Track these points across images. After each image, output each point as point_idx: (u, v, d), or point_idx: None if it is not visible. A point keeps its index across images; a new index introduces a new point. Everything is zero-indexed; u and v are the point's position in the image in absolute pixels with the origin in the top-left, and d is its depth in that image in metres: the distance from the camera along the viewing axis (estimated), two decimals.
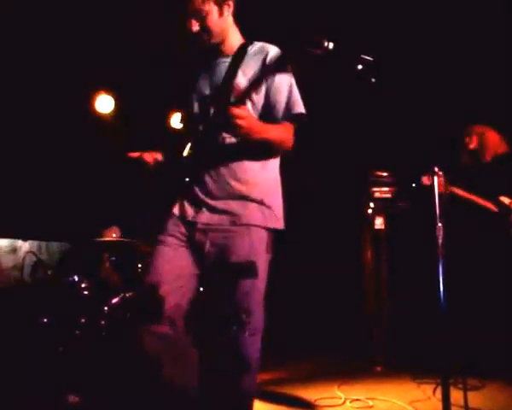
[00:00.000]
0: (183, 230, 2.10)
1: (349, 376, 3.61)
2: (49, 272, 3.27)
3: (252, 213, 2.09)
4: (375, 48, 2.09)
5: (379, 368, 3.89)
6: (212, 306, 2.08)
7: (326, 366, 4.00)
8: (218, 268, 2.06)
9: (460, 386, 2.85)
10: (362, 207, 4.13)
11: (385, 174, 4.09)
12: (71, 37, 3.99)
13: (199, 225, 2.08)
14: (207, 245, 2.07)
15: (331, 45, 1.80)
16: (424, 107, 4.20)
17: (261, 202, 2.10)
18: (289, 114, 2.09)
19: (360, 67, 1.89)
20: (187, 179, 2.11)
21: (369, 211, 4.10)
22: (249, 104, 2.08)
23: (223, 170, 2.08)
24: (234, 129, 1.91)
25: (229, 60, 2.15)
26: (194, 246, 2.10)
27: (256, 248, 2.08)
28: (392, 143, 4.32)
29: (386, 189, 4.10)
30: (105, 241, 3.58)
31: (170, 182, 2.16)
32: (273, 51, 2.10)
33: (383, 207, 4.07)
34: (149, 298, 2.03)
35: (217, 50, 2.17)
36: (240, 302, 2.02)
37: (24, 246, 3.32)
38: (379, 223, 4.03)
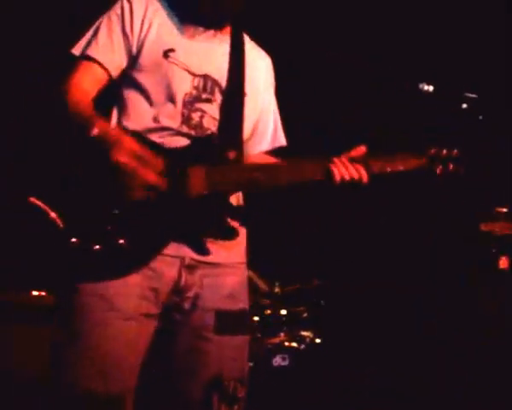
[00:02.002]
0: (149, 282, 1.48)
1: None
2: None
3: (241, 245, 1.65)
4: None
5: None
6: (186, 377, 1.52)
7: None
8: (203, 319, 1.53)
9: None
10: (479, 246, 3.91)
11: (505, 210, 3.84)
12: None
13: (187, 261, 1.51)
14: (195, 287, 1.52)
15: (431, 88, 1.79)
16: None
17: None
18: (273, 146, 1.78)
19: (465, 106, 1.85)
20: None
21: (492, 250, 3.86)
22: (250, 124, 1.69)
23: None
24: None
25: (225, 44, 1.67)
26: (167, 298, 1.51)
27: (246, 293, 1.63)
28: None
29: (507, 225, 3.84)
30: None
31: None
32: (270, 63, 1.81)
33: (506, 245, 3.81)
34: None
35: (204, 21, 1.63)
36: (232, 369, 1.53)
37: None
38: (503, 263, 3.77)
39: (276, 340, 3.42)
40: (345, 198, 1.68)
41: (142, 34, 1.57)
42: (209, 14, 1.61)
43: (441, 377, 3.87)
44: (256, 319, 3.52)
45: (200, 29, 1.63)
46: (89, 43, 1.59)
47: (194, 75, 1.58)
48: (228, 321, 1.53)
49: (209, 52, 1.63)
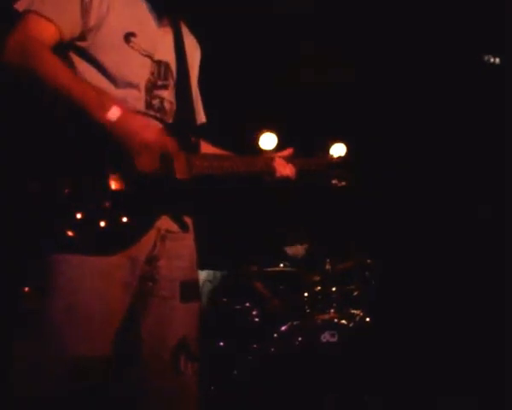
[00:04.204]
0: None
1: None
2: (224, 300, 3.51)
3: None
4: None
5: None
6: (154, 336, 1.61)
7: None
8: (170, 289, 1.64)
9: None
10: None
11: None
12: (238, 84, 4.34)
13: (162, 232, 1.62)
14: (165, 257, 1.63)
15: (497, 60, 1.74)
16: None
17: None
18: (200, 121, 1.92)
19: None
20: None
21: None
22: None
23: None
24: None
25: (169, 29, 1.70)
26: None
27: (195, 261, 1.75)
28: None
29: None
30: (271, 271, 3.75)
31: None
32: (199, 50, 1.88)
33: None
34: None
35: (160, 6, 1.67)
36: (193, 332, 1.69)
37: (201, 275, 3.62)
38: None
39: (326, 316, 3.43)
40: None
41: (102, 11, 1.52)
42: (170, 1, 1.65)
43: (494, 363, 3.78)
44: (306, 294, 3.54)
45: (155, 14, 1.65)
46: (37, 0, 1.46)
47: (152, 61, 1.62)
48: (189, 290, 1.67)
49: (161, 38, 1.67)
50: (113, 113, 1.42)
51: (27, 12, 1.46)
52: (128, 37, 1.56)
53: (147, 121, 1.54)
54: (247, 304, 3.48)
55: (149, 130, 1.50)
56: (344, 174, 2.10)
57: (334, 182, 2.11)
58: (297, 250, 3.81)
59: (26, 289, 1.52)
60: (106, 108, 1.42)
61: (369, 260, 3.63)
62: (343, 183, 2.10)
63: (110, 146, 1.47)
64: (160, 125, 1.60)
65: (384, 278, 3.73)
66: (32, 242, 1.45)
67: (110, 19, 1.54)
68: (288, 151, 1.99)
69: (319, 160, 2.12)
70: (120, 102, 1.47)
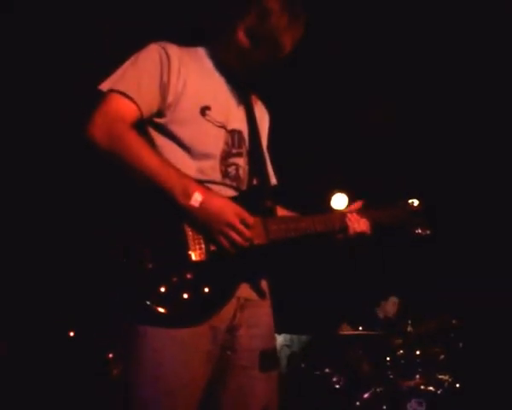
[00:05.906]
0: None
1: None
2: (302, 365, 3.42)
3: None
4: None
5: None
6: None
7: None
8: (249, 359, 1.61)
9: None
10: None
11: None
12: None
13: (241, 300, 1.60)
14: (244, 326, 1.61)
15: None
16: None
17: None
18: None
19: None
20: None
21: None
22: None
23: None
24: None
25: (240, 100, 1.75)
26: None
27: (273, 328, 1.72)
28: None
29: None
30: (353, 334, 3.62)
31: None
32: (268, 116, 1.90)
33: None
34: None
35: (233, 78, 1.73)
36: (274, 400, 1.65)
37: (279, 339, 3.57)
38: None
39: (411, 383, 3.24)
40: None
41: (178, 88, 1.59)
42: (243, 76, 1.70)
43: None
44: (388, 359, 3.38)
45: (228, 86, 1.71)
46: (120, 80, 1.56)
47: (226, 131, 1.66)
48: (268, 359, 1.64)
49: (233, 108, 1.71)
50: (196, 200, 1.49)
51: (110, 91, 1.55)
52: (204, 110, 1.62)
53: (225, 201, 1.56)
54: (327, 370, 3.36)
55: (228, 209, 1.53)
56: (428, 222, 1.96)
57: (418, 231, 1.96)
58: (387, 308, 3.65)
59: (111, 355, 1.55)
60: (189, 195, 1.49)
61: (454, 321, 3.42)
62: (428, 231, 1.96)
63: (191, 224, 1.52)
64: (235, 200, 1.61)
65: (472, 338, 3.50)
66: (117, 312, 1.50)
67: (187, 95, 1.60)
68: (357, 205, 1.88)
69: (396, 209, 1.97)
70: (201, 186, 1.53)
